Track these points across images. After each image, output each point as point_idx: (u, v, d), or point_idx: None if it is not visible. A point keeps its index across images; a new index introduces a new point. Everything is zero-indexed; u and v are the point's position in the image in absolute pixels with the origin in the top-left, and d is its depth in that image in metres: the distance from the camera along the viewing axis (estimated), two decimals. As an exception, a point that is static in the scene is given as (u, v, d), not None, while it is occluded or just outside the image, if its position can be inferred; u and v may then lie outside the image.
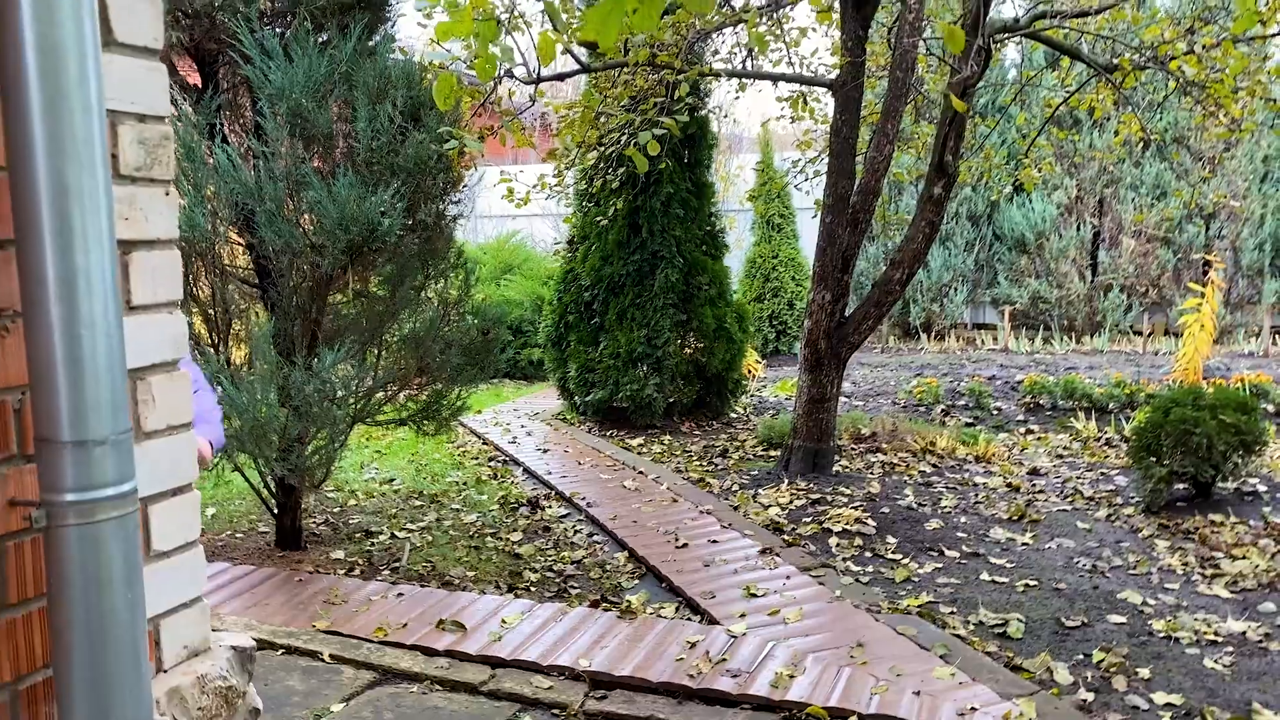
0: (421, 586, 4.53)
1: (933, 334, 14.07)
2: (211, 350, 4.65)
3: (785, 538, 5.15)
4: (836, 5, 6.02)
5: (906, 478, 6.44)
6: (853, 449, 7.16)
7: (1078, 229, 13.58)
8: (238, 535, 5.32)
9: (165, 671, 1.80)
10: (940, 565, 4.78)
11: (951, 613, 4.18)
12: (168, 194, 1.78)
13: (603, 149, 6.33)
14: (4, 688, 1.54)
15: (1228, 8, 6.10)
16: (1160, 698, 3.41)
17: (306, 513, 5.45)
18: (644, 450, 7.45)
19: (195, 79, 4.73)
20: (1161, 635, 3.93)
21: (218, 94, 4.61)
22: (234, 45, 4.40)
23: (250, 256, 4.89)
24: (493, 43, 2.84)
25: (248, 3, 4.43)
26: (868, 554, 4.94)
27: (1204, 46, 6.02)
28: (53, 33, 1.37)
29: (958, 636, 3.91)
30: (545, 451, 7.40)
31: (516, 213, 10.60)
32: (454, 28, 2.71)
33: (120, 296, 1.50)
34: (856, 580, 4.56)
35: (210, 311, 4.69)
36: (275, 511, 5.08)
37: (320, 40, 4.50)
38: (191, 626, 1.87)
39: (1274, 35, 6.15)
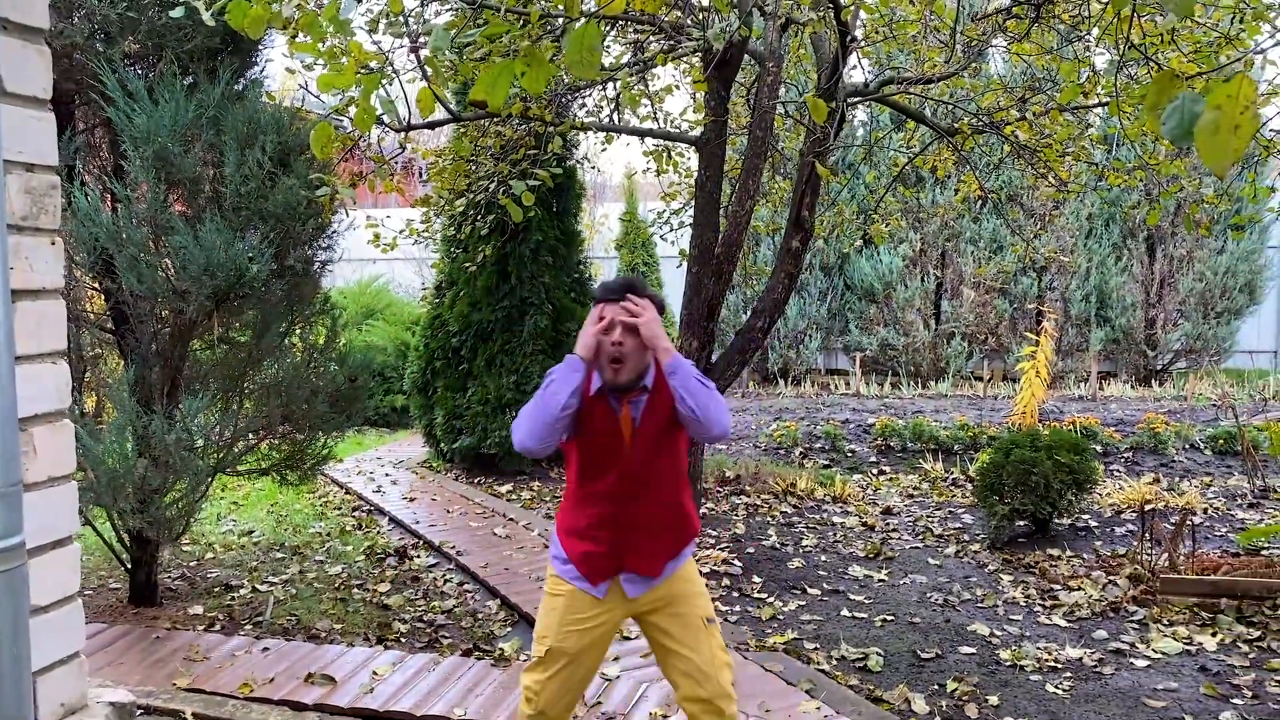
0: (287, 640, 4.43)
1: (790, 379, 14.54)
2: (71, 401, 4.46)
3: (655, 581, 5.24)
4: (703, 70, 6.27)
5: (769, 519, 6.65)
6: (718, 492, 7.34)
7: (922, 280, 14.32)
8: (87, 592, 5.07)
9: (41, 731, 1.75)
10: (804, 603, 4.96)
11: (815, 648, 4.35)
12: (54, 243, 1.77)
13: (471, 196, 6.38)
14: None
15: (1055, 80, 6.64)
16: (1008, 722, 3.64)
17: (162, 567, 5.24)
18: (513, 497, 7.45)
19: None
20: (1008, 664, 4.19)
21: (75, 135, 4.47)
22: (94, 86, 4.29)
23: (107, 302, 4.73)
24: (374, 94, 2.88)
25: (110, 44, 4.34)
26: (735, 594, 5.09)
27: (1034, 114, 6.52)
28: (-49, 85, 1.37)
29: (822, 671, 4.07)
30: (412, 500, 7.31)
31: (378, 256, 10.49)
32: (336, 80, 2.75)
33: (11, 349, 1.49)
34: (725, 619, 4.69)
35: (62, 358, 4.50)
36: (129, 566, 4.88)
37: (187, 84, 4.43)
38: (69, 683, 1.82)
39: (1095, 106, 6.71)
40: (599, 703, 3.71)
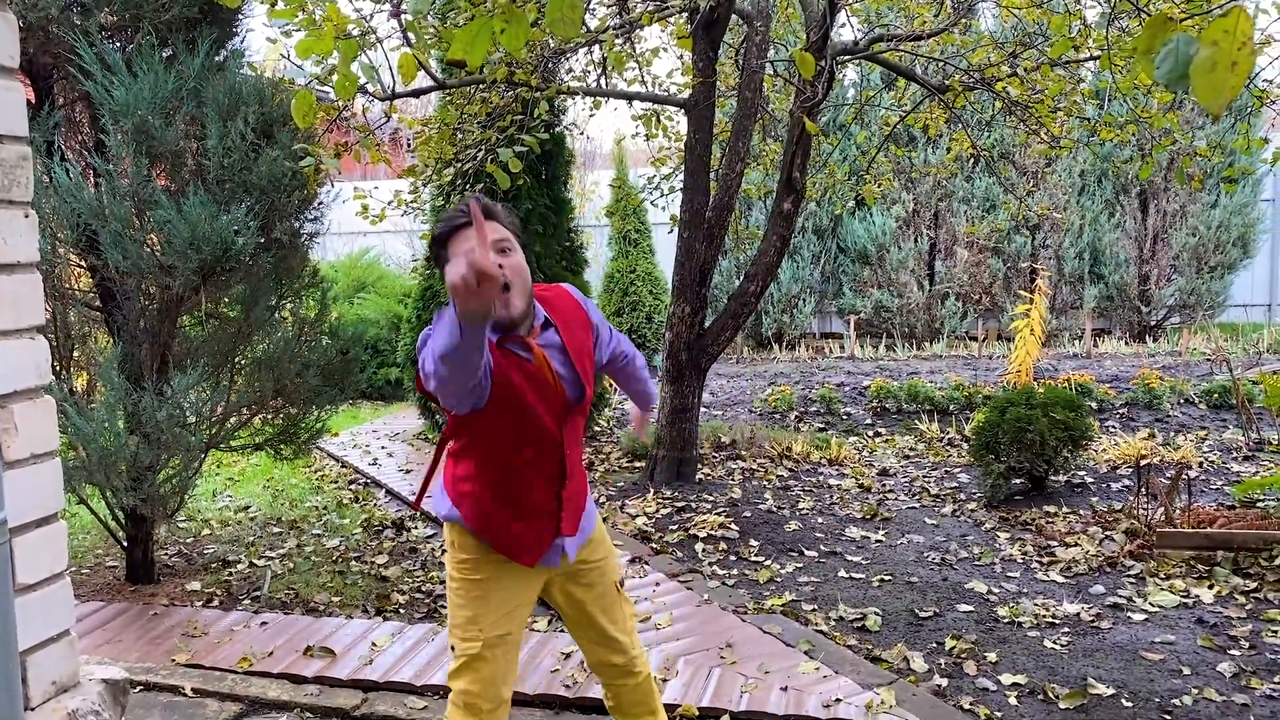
0: (285, 614, 4.43)
1: (784, 344, 14.52)
2: (52, 378, 4.42)
3: (653, 546, 5.25)
4: (687, 27, 6.19)
5: (766, 483, 6.65)
6: (714, 457, 7.34)
7: (915, 241, 14.26)
8: (84, 571, 5.07)
9: (33, 709, 1.74)
10: (801, 565, 4.97)
11: (813, 610, 4.36)
12: (27, 216, 1.73)
13: (459, 165, 6.32)
14: None
15: (1046, 34, 6.57)
16: (1007, 679, 3.65)
17: (159, 544, 5.23)
18: (508, 466, 7.43)
19: (30, 94, 4.51)
20: (1006, 621, 4.20)
21: (55, 110, 4.41)
22: (72, 59, 4.22)
23: (93, 279, 4.68)
24: (354, 61, 2.83)
25: (86, 16, 4.26)
26: (732, 557, 5.09)
27: (1025, 69, 6.46)
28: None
29: (820, 632, 4.08)
30: (408, 472, 7.30)
31: (368, 229, 10.43)
32: (315, 45, 2.70)
33: (-16, 322, 1.46)
34: (723, 583, 4.70)
35: (50, 337, 4.47)
36: (125, 544, 4.87)
37: (166, 55, 4.36)
38: (60, 661, 1.81)
39: (1086, 60, 6.65)
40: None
